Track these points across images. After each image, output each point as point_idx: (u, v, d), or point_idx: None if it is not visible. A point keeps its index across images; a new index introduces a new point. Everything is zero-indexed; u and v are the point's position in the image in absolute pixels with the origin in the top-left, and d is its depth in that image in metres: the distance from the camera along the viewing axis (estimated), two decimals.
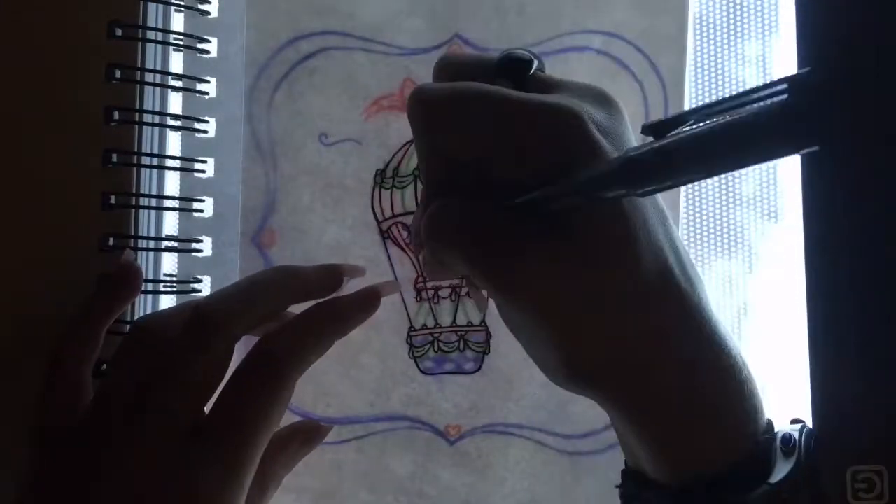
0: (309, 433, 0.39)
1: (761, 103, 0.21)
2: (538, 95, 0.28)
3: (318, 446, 0.39)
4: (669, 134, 0.24)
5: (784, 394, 0.38)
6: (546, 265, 0.27)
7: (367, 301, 0.37)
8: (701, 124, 0.23)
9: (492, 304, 0.33)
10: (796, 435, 0.28)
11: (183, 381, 0.32)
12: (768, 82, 0.21)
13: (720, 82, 0.40)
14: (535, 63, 0.31)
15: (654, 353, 0.28)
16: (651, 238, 0.28)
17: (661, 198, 0.29)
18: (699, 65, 0.40)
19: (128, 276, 0.37)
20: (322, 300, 0.36)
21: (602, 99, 0.29)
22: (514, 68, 0.30)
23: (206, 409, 0.34)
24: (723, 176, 0.40)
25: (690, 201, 0.40)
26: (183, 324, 0.33)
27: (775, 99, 0.20)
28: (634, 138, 0.29)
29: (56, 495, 0.32)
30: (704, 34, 0.40)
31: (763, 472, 0.28)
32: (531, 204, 0.27)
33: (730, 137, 0.20)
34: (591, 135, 0.27)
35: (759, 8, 0.40)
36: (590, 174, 0.26)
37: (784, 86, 0.20)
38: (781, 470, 0.28)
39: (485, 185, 0.29)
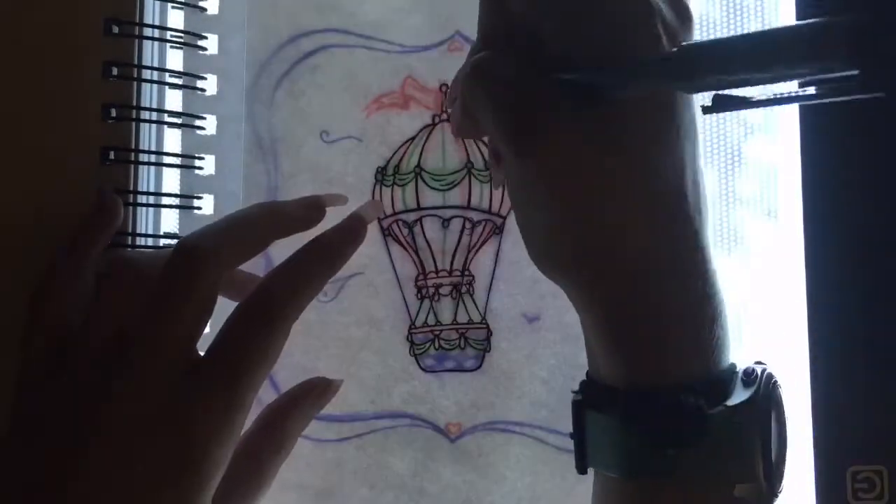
0: (321, 388, 0.38)
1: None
2: None
3: (330, 399, 0.39)
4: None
5: (784, 394, 0.38)
6: (573, 138, 0.28)
7: (354, 230, 0.37)
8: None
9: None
10: (759, 371, 0.29)
11: (170, 319, 0.31)
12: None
13: None
14: None
15: (642, 256, 0.28)
16: (678, 150, 0.28)
17: None
18: None
19: (106, 205, 0.37)
20: (311, 239, 0.36)
21: (679, 4, 0.29)
22: None
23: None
24: (723, 176, 0.40)
25: None
26: (166, 261, 0.32)
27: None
28: None
29: (43, 440, 0.31)
30: (704, 34, 0.40)
31: (723, 395, 0.29)
32: (575, 81, 0.28)
33: (790, 40, 0.21)
34: (655, 31, 0.27)
35: (759, 8, 0.40)
36: (644, 61, 0.26)
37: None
38: (739, 396, 0.29)
39: (534, 52, 0.29)
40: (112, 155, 0.39)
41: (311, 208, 0.37)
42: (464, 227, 0.41)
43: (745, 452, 0.28)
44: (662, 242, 0.28)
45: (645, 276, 0.28)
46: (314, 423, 0.40)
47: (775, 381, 0.29)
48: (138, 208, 0.39)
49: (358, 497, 0.41)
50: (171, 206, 0.40)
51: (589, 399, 0.31)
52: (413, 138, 0.41)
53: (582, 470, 0.31)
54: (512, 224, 0.41)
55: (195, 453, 0.30)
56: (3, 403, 0.33)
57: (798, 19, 0.39)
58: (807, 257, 0.37)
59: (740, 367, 0.30)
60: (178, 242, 0.33)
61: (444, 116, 0.41)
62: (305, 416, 0.38)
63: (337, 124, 0.41)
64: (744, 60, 0.23)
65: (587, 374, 0.32)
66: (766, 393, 0.29)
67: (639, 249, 0.28)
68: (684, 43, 0.26)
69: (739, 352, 0.31)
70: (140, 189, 0.39)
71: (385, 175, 0.41)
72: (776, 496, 0.29)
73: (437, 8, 0.41)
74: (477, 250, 0.41)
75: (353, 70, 0.41)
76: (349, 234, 0.37)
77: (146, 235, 0.40)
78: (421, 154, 0.41)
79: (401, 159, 0.41)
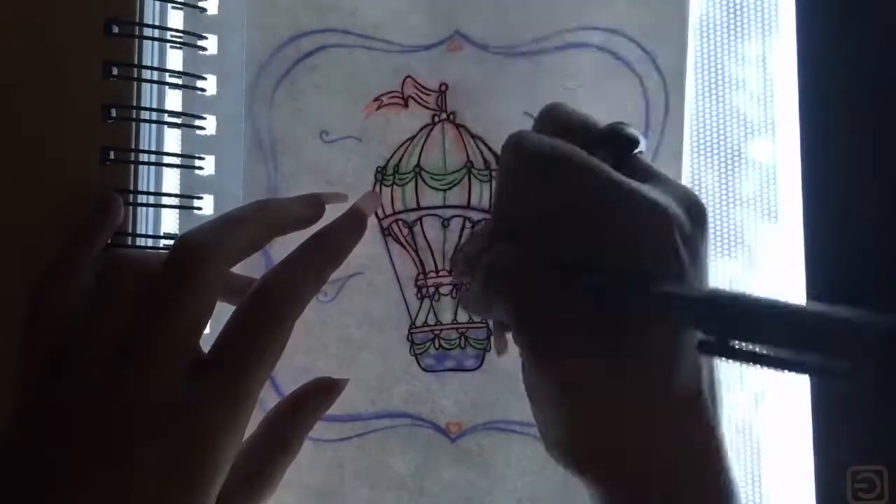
0: (327, 388, 0.38)
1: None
2: (641, 188, 0.28)
3: (335, 399, 0.39)
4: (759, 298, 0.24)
5: (784, 394, 0.38)
6: (594, 347, 0.28)
7: (355, 223, 0.37)
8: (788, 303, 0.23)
9: None
10: None
11: (170, 317, 0.31)
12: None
13: (720, 82, 0.40)
14: (642, 143, 0.30)
15: (658, 458, 0.28)
16: (695, 360, 0.28)
17: None
18: (699, 64, 0.40)
19: (106, 203, 0.37)
20: (312, 234, 0.36)
21: (693, 206, 0.29)
22: (619, 144, 0.30)
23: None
24: (723, 176, 0.40)
25: None
26: (165, 259, 0.32)
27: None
28: (707, 250, 0.29)
29: (45, 441, 0.30)
30: (704, 34, 0.41)
31: None
32: (597, 289, 0.27)
33: (828, 329, 0.20)
34: (677, 248, 0.27)
35: (759, 8, 0.40)
36: (668, 295, 0.25)
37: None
38: None
39: (553, 250, 0.28)
40: (112, 155, 0.39)
41: (311, 205, 0.37)
42: (464, 226, 0.41)
43: None
44: (679, 444, 0.28)
45: (663, 476, 0.28)
46: None
47: None
48: (138, 208, 0.39)
49: (358, 497, 0.41)
50: (171, 207, 0.40)
51: None
52: (413, 138, 0.41)
53: None
54: None
55: (199, 452, 0.30)
56: (3, 402, 0.33)
57: (798, 20, 0.39)
58: (807, 257, 0.37)
59: None
60: (178, 239, 0.33)
61: (444, 116, 0.41)
62: (312, 417, 0.38)
63: (337, 124, 0.41)
64: (772, 333, 0.22)
65: None
66: None
67: (655, 452, 0.28)
68: (713, 288, 0.25)
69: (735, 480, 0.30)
70: (140, 189, 0.39)
71: (385, 175, 0.41)
72: None
73: (436, 8, 0.41)
74: None
75: (353, 70, 0.41)
76: (350, 227, 0.37)
77: (146, 236, 0.40)
78: (421, 154, 0.41)
79: (400, 159, 0.41)
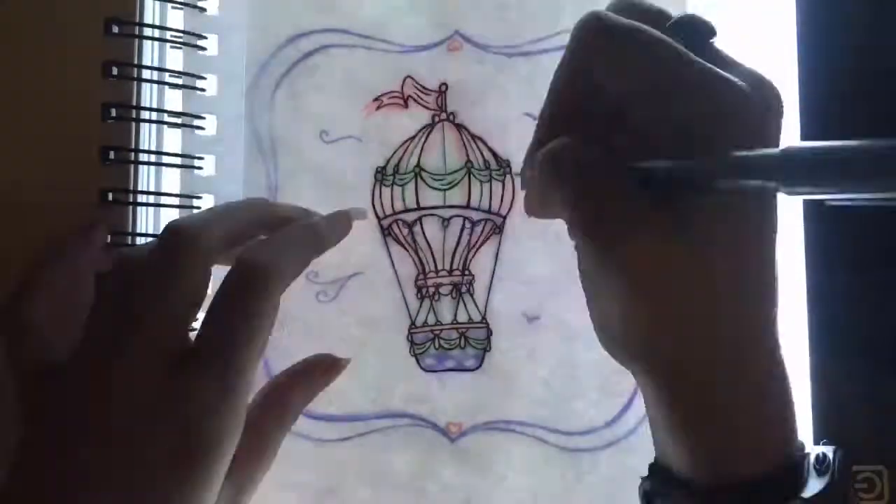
0: (328, 365, 0.38)
1: None
2: (718, 70, 0.28)
3: (335, 377, 0.38)
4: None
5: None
6: (657, 234, 0.27)
7: (341, 223, 0.37)
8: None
9: None
10: (830, 455, 0.29)
11: (162, 305, 0.31)
12: None
13: None
14: (716, 33, 0.30)
15: (720, 350, 0.28)
16: (770, 249, 0.28)
17: None
18: None
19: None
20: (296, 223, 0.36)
21: (767, 89, 0.29)
22: (696, 32, 0.29)
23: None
24: None
25: None
26: (156, 246, 0.32)
27: None
28: (779, 136, 0.29)
29: (44, 437, 0.30)
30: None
31: (796, 486, 0.28)
32: (662, 172, 0.27)
33: None
34: (751, 125, 0.27)
35: (758, 7, 0.40)
36: (743, 159, 0.25)
37: None
38: (814, 487, 0.28)
39: (616, 135, 0.28)
40: (112, 155, 0.39)
41: (303, 213, 0.37)
42: (464, 226, 0.41)
43: None
44: (743, 335, 0.28)
45: (722, 368, 0.28)
46: (314, 423, 0.41)
47: (850, 468, 0.29)
48: (138, 208, 0.39)
49: (358, 497, 0.41)
50: (171, 206, 0.40)
51: (659, 488, 0.30)
52: (413, 138, 0.41)
53: None
54: (512, 223, 0.41)
55: (197, 439, 0.30)
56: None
57: (798, 20, 0.39)
58: (807, 257, 0.37)
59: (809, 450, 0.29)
60: (167, 225, 0.32)
61: (444, 116, 0.41)
62: (310, 391, 0.37)
63: (336, 124, 0.41)
64: (857, 174, 0.22)
65: (655, 459, 0.31)
66: (841, 483, 0.28)
67: (717, 342, 0.28)
68: (790, 145, 0.24)
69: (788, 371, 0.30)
70: (140, 189, 0.39)
71: (385, 175, 0.41)
72: None
73: (436, 7, 0.41)
74: (477, 250, 0.41)
75: (353, 70, 0.41)
76: (337, 224, 0.37)
77: (146, 235, 0.40)
78: (420, 154, 0.41)
79: (400, 159, 0.41)
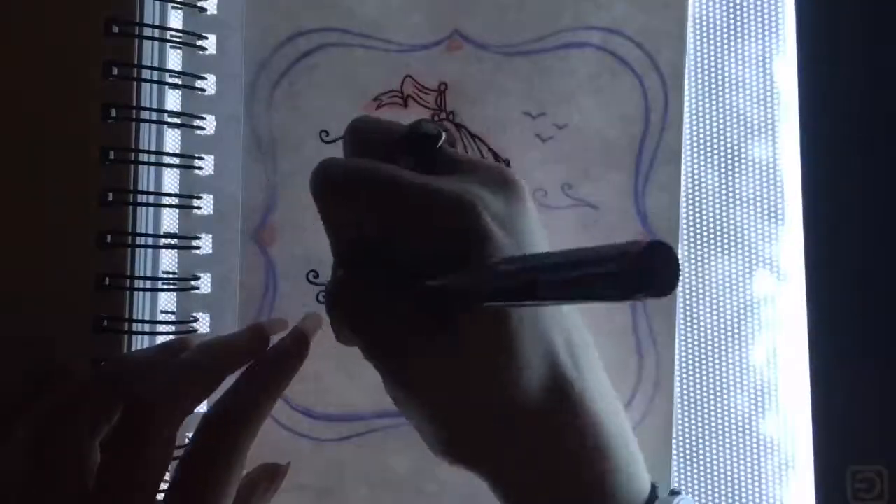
0: (271, 475, 0.38)
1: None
2: (435, 180, 0.28)
3: (279, 484, 0.39)
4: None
5: (784, 394, 0.38)
6: (429, 358, 0.28)
7: (298, 348, 0.37)
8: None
9: None
10: None
11: (125, 481, 0.32)
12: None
13: (720, 82, 0.40)
14: (443, 137, 0.31)
15: (527, 450, 0.29)
16: (537, 333, 0.28)
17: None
18: (699, 64, 0.40)
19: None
20: (250, 365, 0.36)
21: (504, 184, 0.29)
22: (421, 143, 0.30)
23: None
24: (722, 176, 0.40)
25: (690, 201, 0.40)
26: (119, 416, 0.33)
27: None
28: (536, 221, 0.30)
29: None
30: (704, 34, 0.40)
31: None
32: (428, 294, 0.28)
33: (601, 267, 0.21)
34: (484, 226, 0.27)
35: (758, 8, 0.40)
36: (487, 275, 0.26)
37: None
38: None
39: (388, 263, 0.29)
40: (112, 155, 0.39)
41: (255, 339, 0.37)
42: None
43: None
44: (543, 430, 0.29)
45: (522, 467, 0.29)
46: (314, 422, 0.41)
47: None
48: (138, 208, 0.39)
49: (358, 496, 0.41)
50: (170, 206, 0.40)
51: None
52: None
53: None
54: None
55: None
56: None
57: (798, 20, 0.39)
58: (807, 257, 0.37)
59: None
60: (132, 396, 0.33)
61: (444, 115, 0.41)
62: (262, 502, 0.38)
63: (336, 124, 0.41)
64: (555, 271, 0.23)
65: None
66: None
67: (521, 441, 0.29)
68: (497, 264, 0.26)
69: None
70: (140, 189, 0.39)
71: None
72: None
73: (435, 6, 0.41)
74: None
75: (352, 69, 0.41)
76: (295, 352, 0.36)
77: (146, 235, 0.40)
78: None
79: None
